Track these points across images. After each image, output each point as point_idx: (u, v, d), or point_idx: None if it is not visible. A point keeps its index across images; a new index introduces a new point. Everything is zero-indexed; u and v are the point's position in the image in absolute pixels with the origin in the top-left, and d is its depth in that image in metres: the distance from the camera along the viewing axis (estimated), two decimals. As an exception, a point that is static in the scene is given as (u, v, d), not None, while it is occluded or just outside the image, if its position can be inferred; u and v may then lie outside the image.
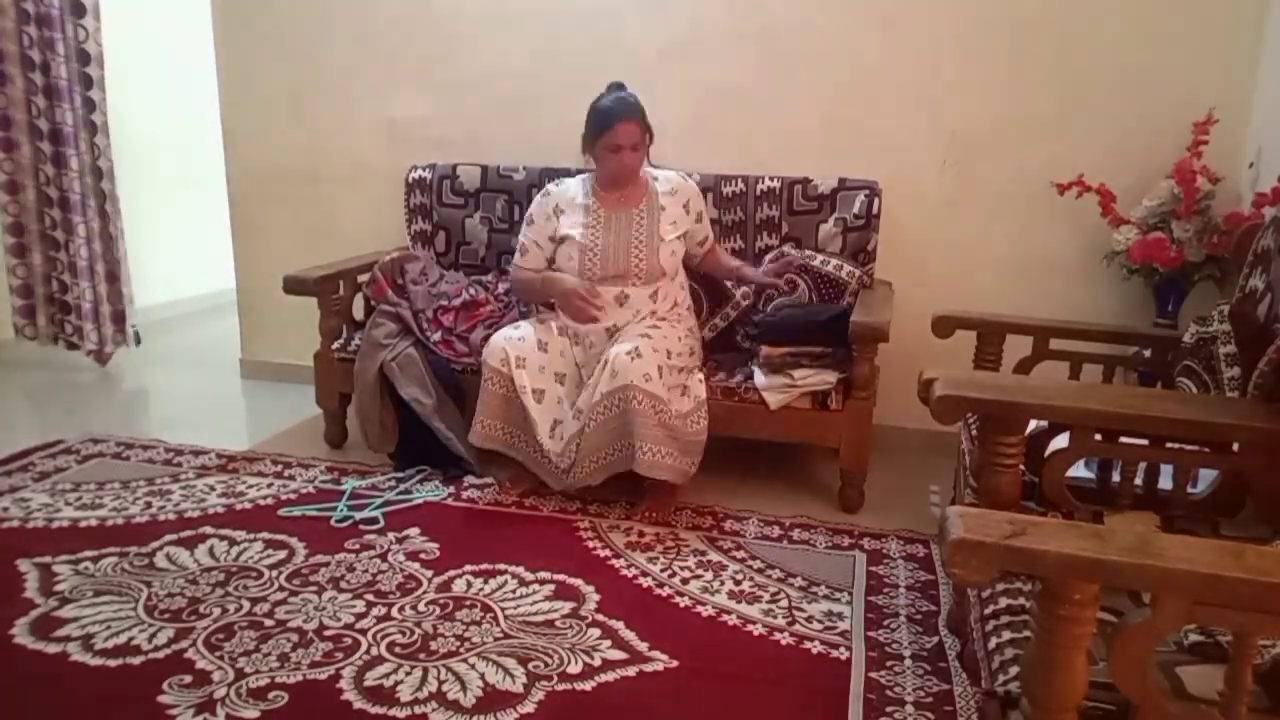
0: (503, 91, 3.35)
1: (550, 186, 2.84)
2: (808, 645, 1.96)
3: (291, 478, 2.78)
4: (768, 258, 2.90)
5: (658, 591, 2.17)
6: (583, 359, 2.65)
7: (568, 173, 3.10)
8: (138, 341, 4.04)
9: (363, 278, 3.14)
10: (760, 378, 2.62)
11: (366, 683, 1.78)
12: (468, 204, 3.27)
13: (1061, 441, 1.61)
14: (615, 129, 2.58)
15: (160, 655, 1.85)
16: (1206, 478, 1.71)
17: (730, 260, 2.91)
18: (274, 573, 2.20)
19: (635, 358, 2.42)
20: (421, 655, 1.87)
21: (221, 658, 1.84)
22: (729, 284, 2.95)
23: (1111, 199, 2.74)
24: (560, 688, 1.78)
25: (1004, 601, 1.37)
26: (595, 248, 2.68)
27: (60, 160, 3.69)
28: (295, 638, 1.92)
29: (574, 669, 1.84)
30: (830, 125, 3.08)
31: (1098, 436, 1.58)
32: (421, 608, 2.06)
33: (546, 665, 1.85)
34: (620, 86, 2.68)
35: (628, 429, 2.41)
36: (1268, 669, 1.13)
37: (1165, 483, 1.68)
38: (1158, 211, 2.71)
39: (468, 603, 2.09)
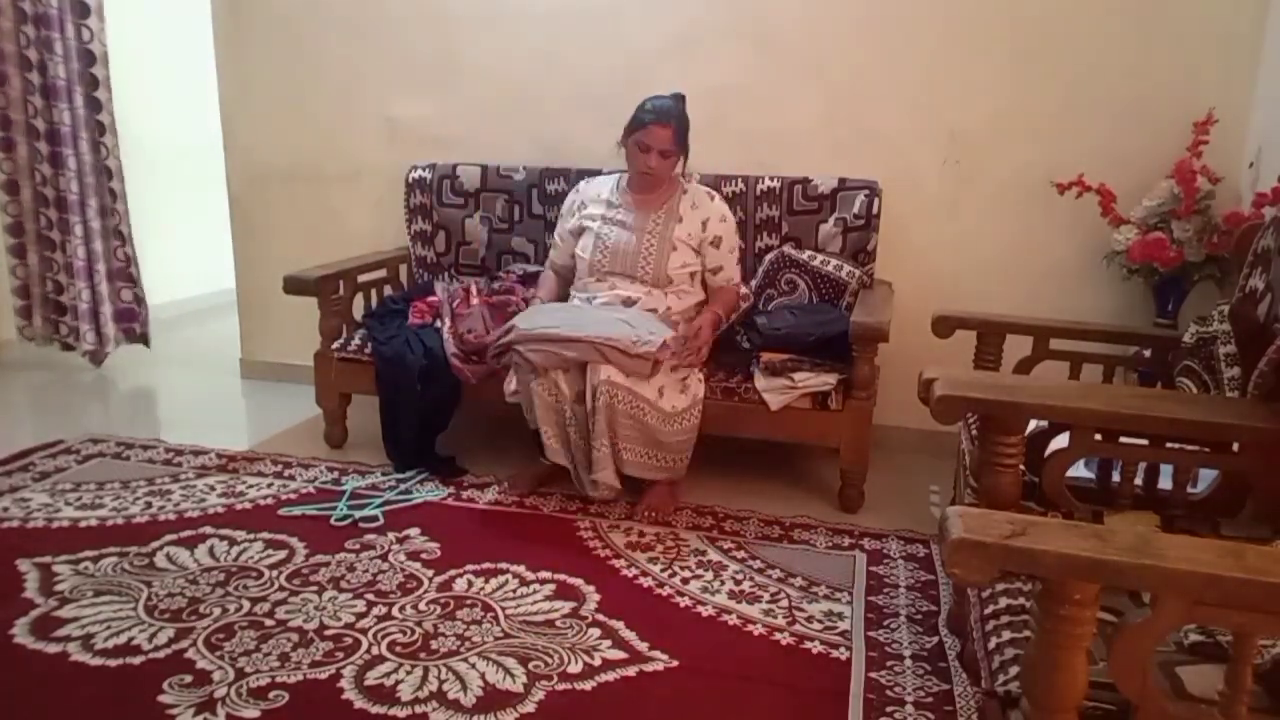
0: (503, 91, 3.35)
1: (581, 184, 2.90)
2: (808, 645, 1.96)
3: (291, 478, 2.78)
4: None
5: (658, 591, 2.17)
6: None
7: (568, 173, 3.11)
8: (146, 343, 4.04)
9: (363, 278, 3.14)
10: (760, 380, 2.62)
11: (367, 682, 1.78)
12: (468, 204, 3.27)
13: (1061, 441, 1.61)
14: (650, 128, 2.61)
15: (160, 655, 1.85)
16: (1206, 478, 1.71)
17: (715, 305, 2.73)
18: (274, 572, 2.20)
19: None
20: (422, 655, 1.87)
21: (222, 657, 1.84)
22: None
23: (1111, 199, 2.74)
24: (560, 687, 1.78)
25: (1004, 601, 1.37)
26: (608, 242, 2.70)
27: (57, 160, 3.69)
28: (296, 637, 1.92)
29: (574, 669, 1.84)
30: (830, 125, 3.08)
31: (1098, 436, 1.58)
32: (422, 607, 2.06)
33: (547, 665, 1.85)
34: (680, 98, 2.69)
35: (600, 428, 2.40)
36: (1268, 669, 1.13)
37: (1165, 483, 1.69)
38: (1158, 211, 2.71)
39: (468, 602, 2.09)
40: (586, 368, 2.43)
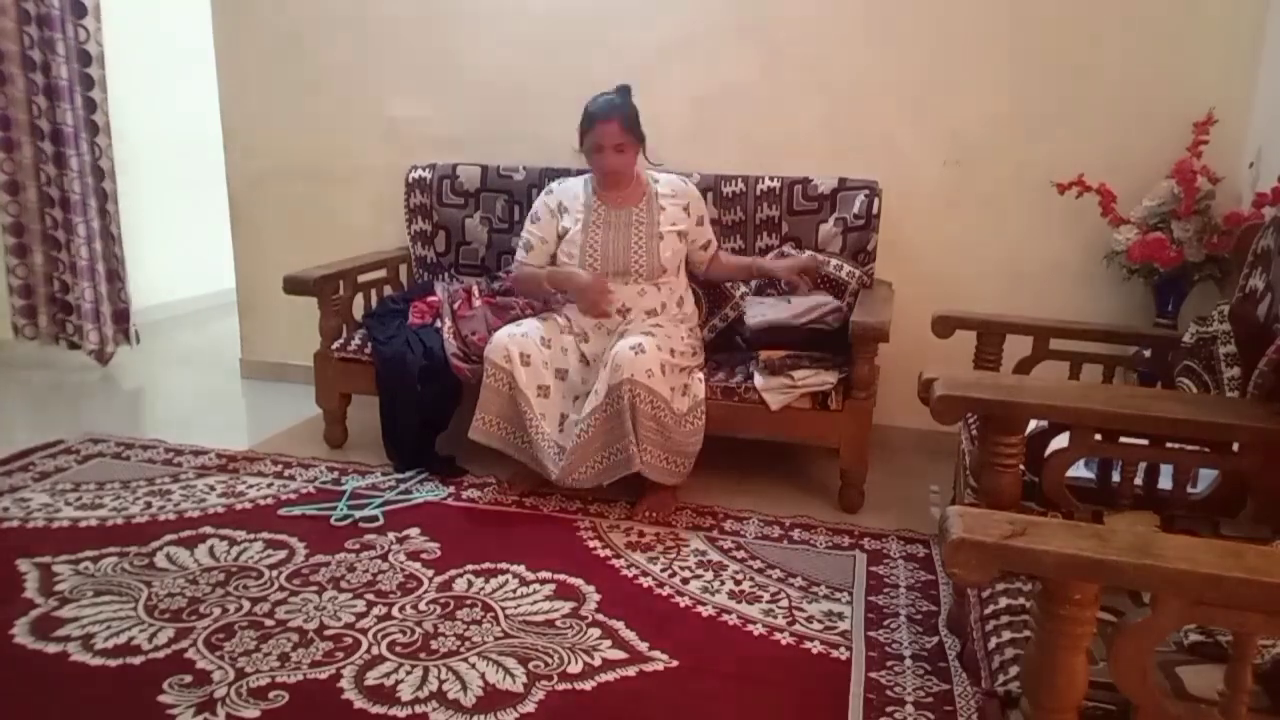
0: (503, 91, 3.35)
1: (553, 185, 2.88)
2: (808, 645, 1.96)
3: (291, 478, 2.78)
4: (771, 254, 2.92)
5: (658, 591, 2.17)
6: (590, 352, 2.66)
7: (568, 173, 3.10)
8: (137, 340, 4.05)
9: (363, 278, 3.14)
10: (760, 379, 2.62)
11: (367, 682, 1.78)
12: (468, 204, 3.27)
13: (1061, 441, 1.61)
14: (595, 129, 2.63)
15: (160, 655, 1.85)
16: (1206, 478, 1.71)
17: (737, 260, 2.92)
18: (274, 572, 2.20)
19: (639, 353, 2.43)
20: (422, 655, 1.87)
21: (222, 657, 1.84)
22: (736, 283, 2.96)
23: (1111, 199, 2.74)
24: (560, 687, 1.78)
25: (1004, 601, 1.37)
26: (595, 245, 2.70)
27: (61, 160, 3.70)
28: (295, 637, 1.92)
29: (574, 669, 1.84)
30: (830, 125, 3.08)
31: (1098, 436, 1.58)
32: (422, 607, 2.06)
33: (547, 665, 1.85)
34: (624, 90, 2.69)
35: (625, 427, 2.41)
36: (1268, 669, 1.13)
37: (1165, 483, 1.68)
38: (1158, 211, 2.71)
39: (468, 602, 2.09)
40: (607, 368, 2.46)
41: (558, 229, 2.77)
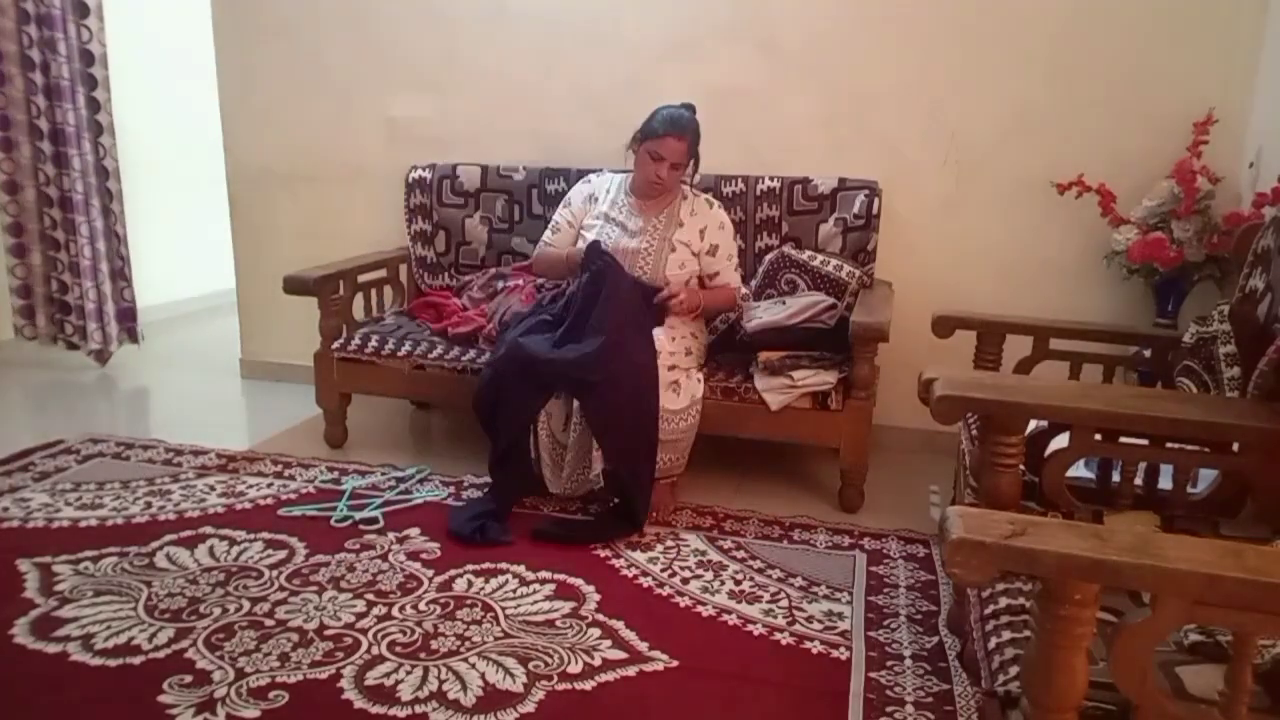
0: (503, 91, 3.35)
1: (592, 176, 2.90)
2: (808, 645, 1.96)
3: (291, 478, 2.78)
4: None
5: (658, 591, 2.17)
6: None
7: (567, 173, 3.11)
8: (141, 339, 4.05)
9: (363, 278, 3.14)
10: (760, 380, 2.62)
11: (367, 682, 1.78)
12: (468, 204, 3.27)
13: (1061, 441, 1.61)
14: (664, 140, 2.59)
15: (160, 655, 1.85)
16: (1206, 478, 1.71)
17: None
18: (274, 572, 2.20)
19: None
20: (422, 655, 1.87)
21: (222, 657, 1.84)
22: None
23: (1111, 199, 2.74)
24: (560, 687, 1.78)
25: (1004, 601, 1.37)
26: (609, 243, 2.70)
27: (61, 160, 3.70)
28: (295, 637, 1.92)
29: (574, 669, 1.84)
30: (830, 125, 3.08)
31: (1098, 436, 1.58)
32: (422, 607, 2.06)
33: (547, 665, 1.85)
34: (692, 108, 2.68)
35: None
36: (1268, 669, 1.14)
37: (1165, 483, 1.68)
38: (1158, 211, 2.71)
39: (468, 602, 2.09)
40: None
41: (586, 217, 2.80)
